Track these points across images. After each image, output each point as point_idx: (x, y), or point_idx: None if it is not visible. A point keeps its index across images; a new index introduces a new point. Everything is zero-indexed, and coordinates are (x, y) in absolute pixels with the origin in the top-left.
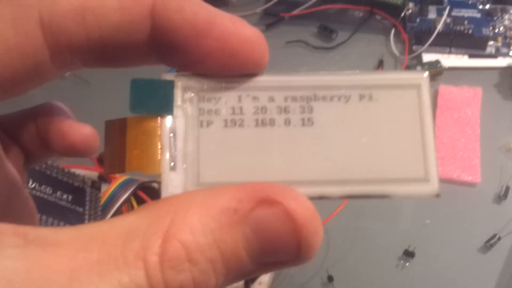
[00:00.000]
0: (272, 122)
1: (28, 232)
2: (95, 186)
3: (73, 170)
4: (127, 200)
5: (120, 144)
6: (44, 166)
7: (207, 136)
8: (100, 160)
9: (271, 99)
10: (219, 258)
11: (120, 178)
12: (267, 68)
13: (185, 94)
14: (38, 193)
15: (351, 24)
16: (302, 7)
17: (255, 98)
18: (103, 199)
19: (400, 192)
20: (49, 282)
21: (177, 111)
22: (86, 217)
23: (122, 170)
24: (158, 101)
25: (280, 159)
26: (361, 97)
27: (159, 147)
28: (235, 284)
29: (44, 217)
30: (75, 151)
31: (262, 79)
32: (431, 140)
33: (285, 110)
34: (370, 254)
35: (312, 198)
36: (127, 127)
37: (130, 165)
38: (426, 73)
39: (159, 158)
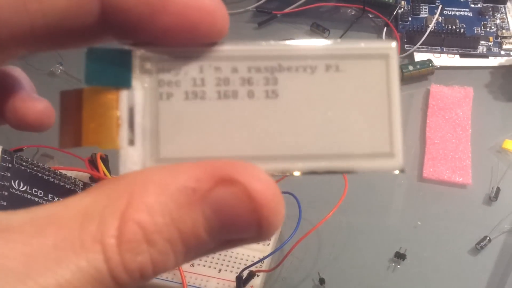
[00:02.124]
0: (235, 94)
1: None
2: (86, 188)
3: (64, 171)
4: None
5: (76, 116)
6: (35, 168)
7: (167, 109)
8: (92, 162)
9: (234, 70)
10: (178, 238)
11: None
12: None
13: (144, 64)
14: (29, 196)
15: (344, 22)
16: (294, 5)
17: (217, 69)
18: None
19: (365, 167)
20: (5, 271)
21: (135, 82)
22: None
23: (78, 144)
24: (115, 72)
25: (243, 133)
26: (328, 68)
27: (117, 120)
28: None
29: None
30: (27, 127)
31: (225, 49)
32: (397, 113)
33: (249, 81)
34: (361, 256)
35: (275, 174)
36: (83, 99)
37: (87, 139)
38: (395, 43)
39: (116, 132)
